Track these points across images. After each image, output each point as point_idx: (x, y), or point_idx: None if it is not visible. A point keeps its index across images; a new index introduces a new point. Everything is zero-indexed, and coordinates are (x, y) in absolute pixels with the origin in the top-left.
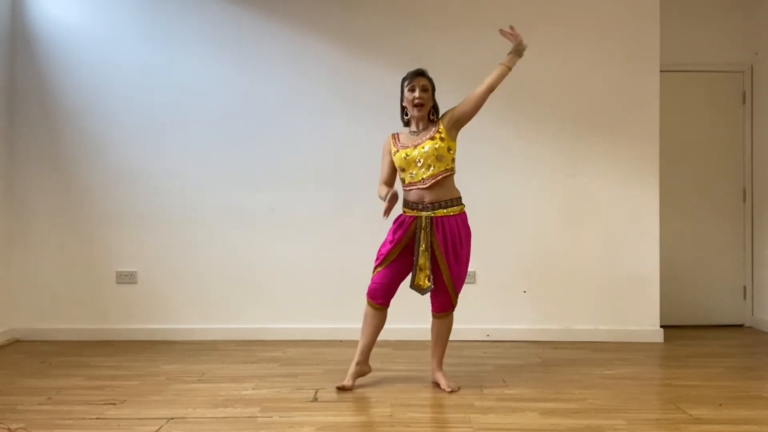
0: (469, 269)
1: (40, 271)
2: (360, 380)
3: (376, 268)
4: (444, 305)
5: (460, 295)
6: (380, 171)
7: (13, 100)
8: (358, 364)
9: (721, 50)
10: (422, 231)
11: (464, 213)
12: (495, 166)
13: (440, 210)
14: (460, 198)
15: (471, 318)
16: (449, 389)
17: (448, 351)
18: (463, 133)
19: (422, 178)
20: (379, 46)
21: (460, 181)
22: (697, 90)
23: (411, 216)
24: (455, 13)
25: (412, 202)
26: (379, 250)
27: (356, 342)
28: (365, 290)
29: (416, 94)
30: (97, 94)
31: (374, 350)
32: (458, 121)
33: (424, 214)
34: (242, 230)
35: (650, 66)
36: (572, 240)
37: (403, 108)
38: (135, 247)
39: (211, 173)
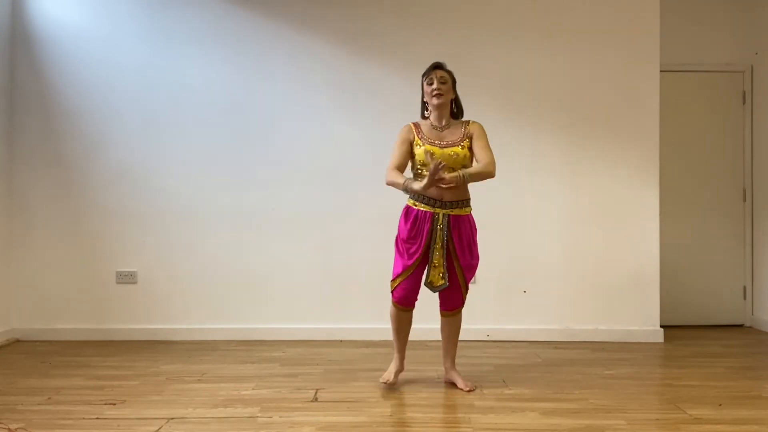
0: None
1: (40, 271)
2: (360, 380)
3: (398, 277)
4: (455, 302)
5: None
6: (392, 157)
7: (13, 100)
8: (402, 362)
9: (721, 50)
10: (439, 228)
11: (471, 214)
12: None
13: (457, 209)
14: (470, 199)
15: (471, 318)
16: (467, 389)
17: None
18: None
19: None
20: (380, 46)
21: None
22: (697, 90)
23: (426, 212)
24: (456, 14)
25: (430, 198)
26: (400, 258)
27: (356, 342)
28: (365, 290)
29: (434, 85)
30: (97, 94)
31: (374, 350)
32: (472, 143)
33: (441, 211)
34: (242, 230)
35: (650, 66)
36: (572, 240)
37: (424, 103)
38: (135, 247)
39: (211, 173)
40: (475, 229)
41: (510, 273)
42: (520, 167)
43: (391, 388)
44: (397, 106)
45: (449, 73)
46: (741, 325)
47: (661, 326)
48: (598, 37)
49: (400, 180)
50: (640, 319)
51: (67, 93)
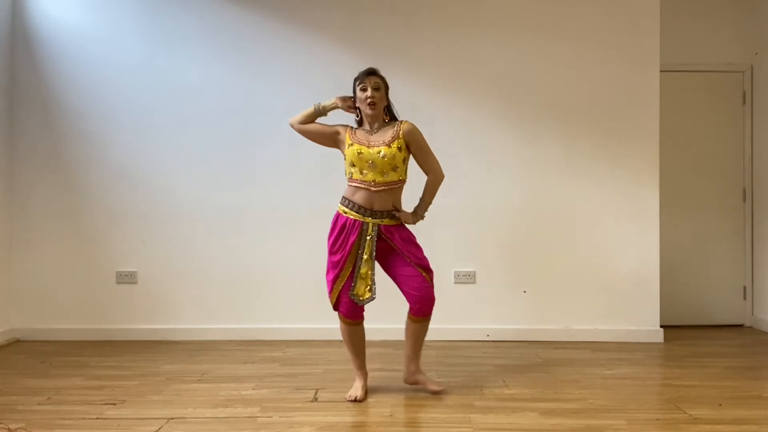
0: (469, 269)
1: (40, 271)
2: None
3: (331, 292)
4: (427, 299)
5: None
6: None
7: (13, 100)
8: (365, 378)
9: (721, 50)
10: (368, 239)
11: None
12: (495, 166)
13: (387, 219)
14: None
15: (471, 318)
16: (438, 389)
17: (448, 351)
18: (462, 134)
19: (374, 180)
20: (379, 46)
21: (461, 181)
22: (697, 90)
23: (355, 220)
24: (456, 13)
25: (359, 206)
26: (328, 274)
27: None
28: None
29: (368, 93)
30: (97, 94)
31: (374, 350)
32: (413, 152)
33: (371, 221)
34: (242, 230)
35: (650, 66)
36: (572, 240)
37: (356, 108)
38: (135, 247)
39: (211, 173)
40: (411, 232)
41: (510, 273)
42: (520, 166)
43: (361, 402)
44: (397, 106)
45: (382, 79)
46: (741, 325)
47: (661, 326)
48: (598, 37)
49: (309, 109)
50: (640, 319)
51: (67, 93)
